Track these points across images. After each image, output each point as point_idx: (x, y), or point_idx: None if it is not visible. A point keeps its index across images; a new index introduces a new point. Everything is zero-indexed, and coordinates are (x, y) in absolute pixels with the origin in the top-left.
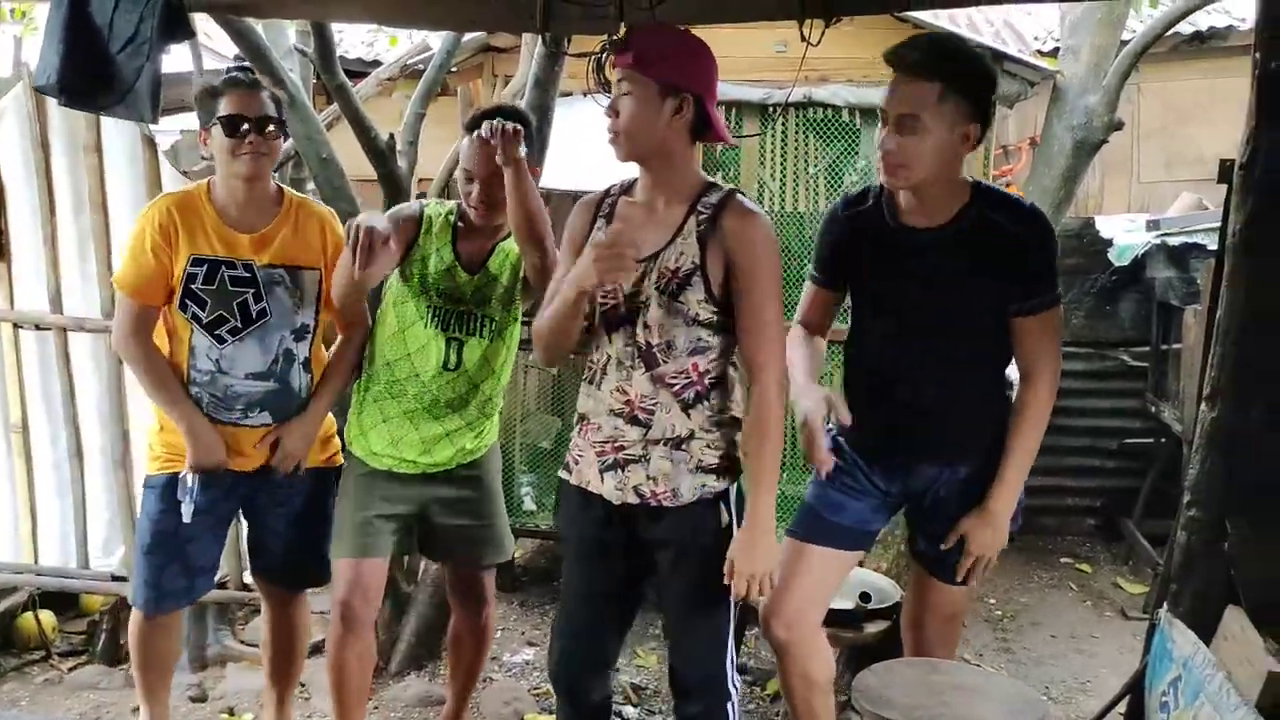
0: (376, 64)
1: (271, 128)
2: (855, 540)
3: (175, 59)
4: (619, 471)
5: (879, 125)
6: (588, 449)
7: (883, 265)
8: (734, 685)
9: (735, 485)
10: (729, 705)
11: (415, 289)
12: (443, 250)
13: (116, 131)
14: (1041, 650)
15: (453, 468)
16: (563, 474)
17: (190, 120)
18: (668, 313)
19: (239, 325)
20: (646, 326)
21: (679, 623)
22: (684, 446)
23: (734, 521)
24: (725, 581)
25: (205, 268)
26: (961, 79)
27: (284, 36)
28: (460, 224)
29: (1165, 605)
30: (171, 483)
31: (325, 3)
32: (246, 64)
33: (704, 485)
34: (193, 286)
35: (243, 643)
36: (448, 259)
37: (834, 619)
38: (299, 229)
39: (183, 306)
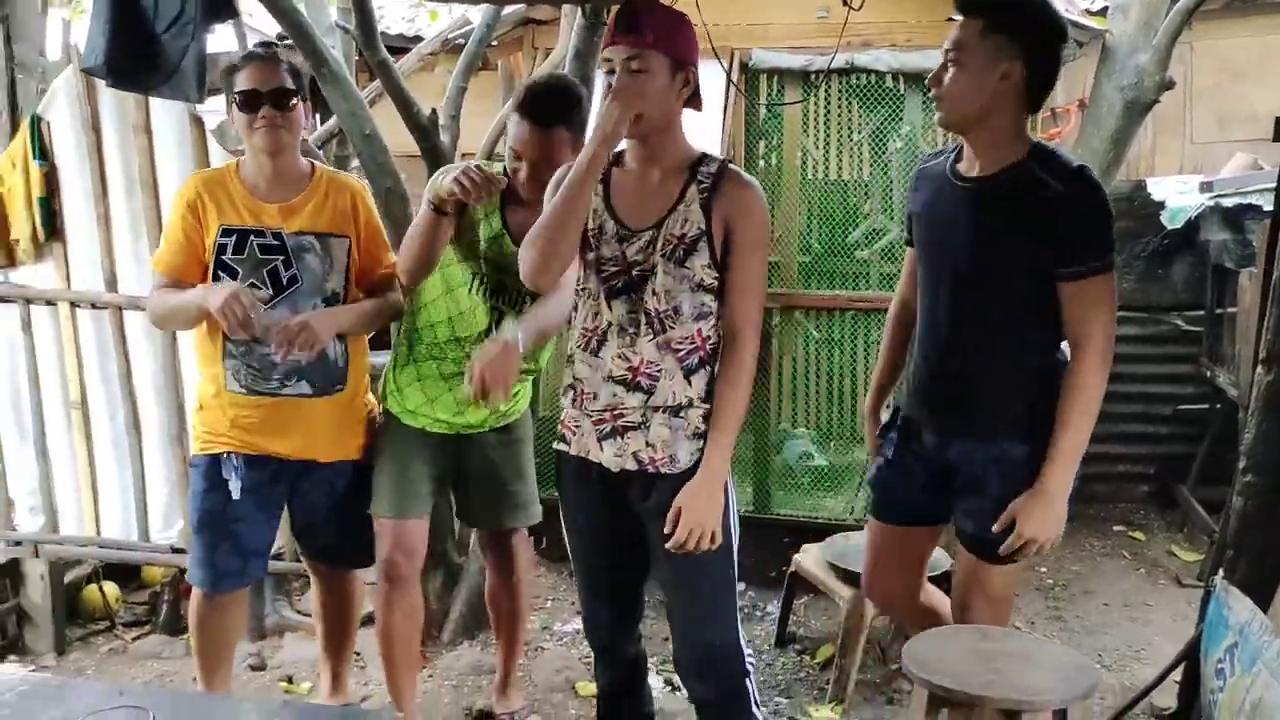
0: (418, 39)
1: (288, 99)
2: (920, 514)
3: (220, 38)
4: (618, 439)
5: (925, 89)
6: (583, 418)
7: (929, 214)
8: (749, 662)
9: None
10: (747, 683)
11: (465, 252)
12: (491, 217)
13: (165, 112)
14: (1094, 618)
15: (485, 430)
16: (559, 445)
17: None
18: (674, 279)
19: (271, 293)
20: (654, 293)
21: (678, 595)
22: (682, 414)
23: (731, 487)
24: (667, 530)
25: (235, 237)
26: (1002, 15)
27: (325, 14)
28: (509, 192)
29: (1221, 571)
30: (214, 463)
31: None
32: (271, 40)
33: (701, 449)
34: (224, 257)
35: (299, 612)
36: (496, 227)
37: None
38: (328, 199)
39: (216, 278)
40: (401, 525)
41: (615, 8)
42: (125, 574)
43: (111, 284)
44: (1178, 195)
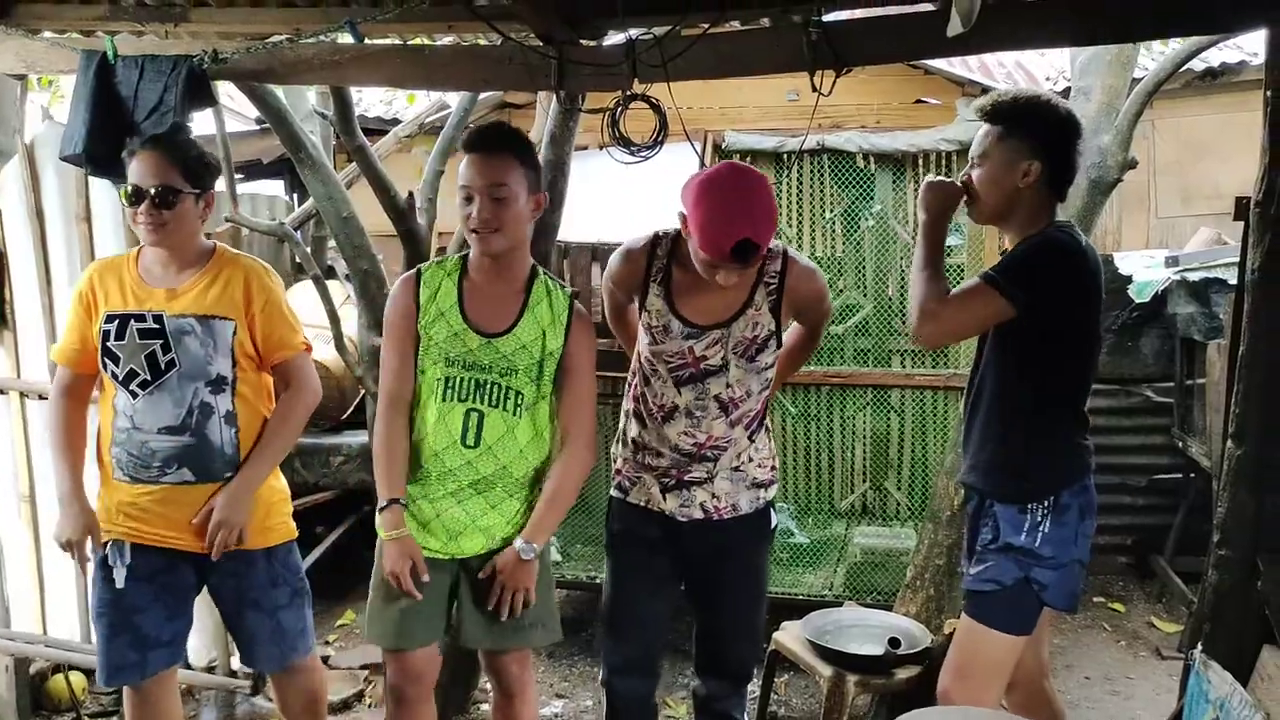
0: (395, 121)
1: (171, 197)
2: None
3: (201, 121)
4: (683, 492)
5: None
6: (644, 472)
7: None
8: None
9: (776, 491)
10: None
11: (431, 357)
12: (448, 313)
13: (103, 199)
14: (1076, 693)
15: (484, 554)
16: (615, 493)
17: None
18: (745, 371)
19: (148, 378)
20: (729, 385)
21: (735, 620)
22: (741, 469)
23: (776, 524)
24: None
25: (117, 323)
26: (1016, 121)
27: (304, 100)
28: (465, 278)
29: (1200, 645)
30: (111, 551)
31: (343, 67)
32: (180, 123)
33: (758, 497)
34: (108, 344)
35: (269, 699)
36: (455, 323)
37: (863, 665)
38: (218, 280)
39: (103, 365)
40: (405, 658)
41: (734, 237)
42: (83, 666)
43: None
44: (1144, 269)
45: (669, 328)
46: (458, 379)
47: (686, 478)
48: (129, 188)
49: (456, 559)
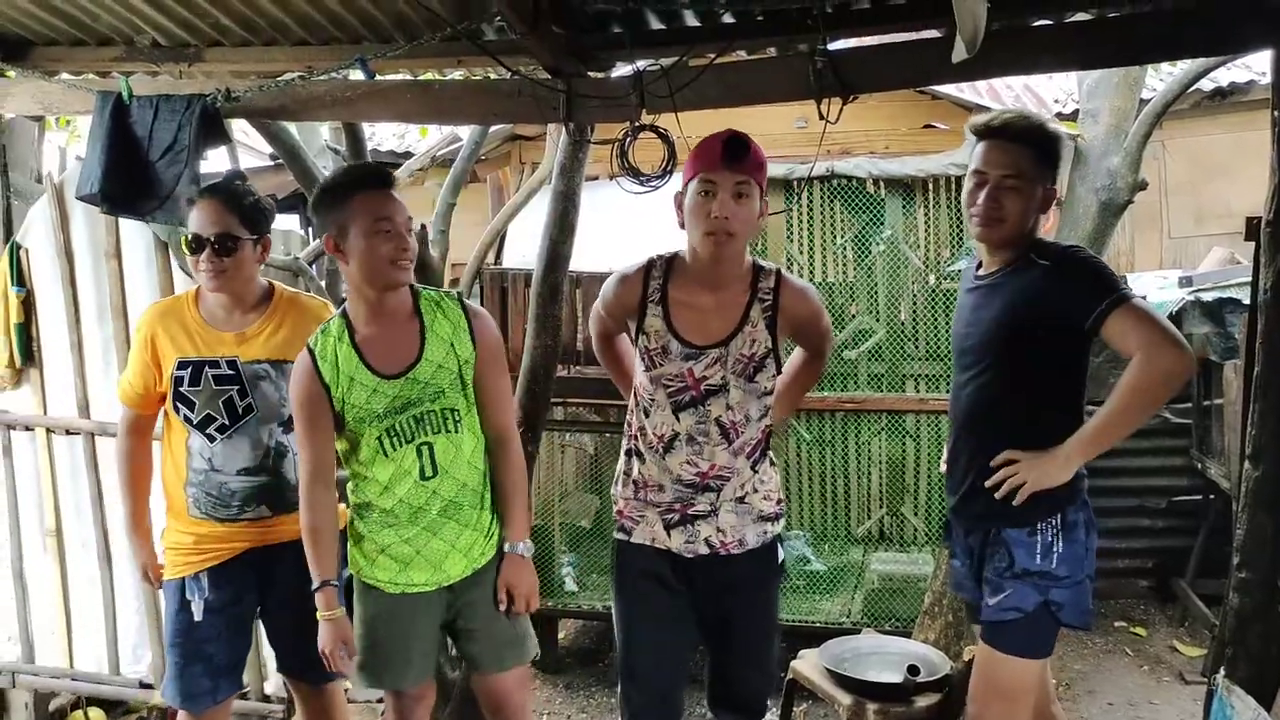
0: (408, 155)
1: (233, 244)
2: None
3: (215, 158)
4: (688, 527)
5: (966, 183)
6: (647, 509)
7: (959, 314)
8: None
9: (783, 525)
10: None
11: (359, 428)
12: (357, 374)
13: (134, 238)
14: (1099, 719)
15: (469, 574)
16: (619, 535)
17: None
18: (745, 393)
19: (226, 423)
20: (729, 407)
21: (746, 653)
22: (746, 500)
23: (783, 560)
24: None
25: (190, 369)
26: (1046, 145)
27: (317, 136)
28: (355, 334)
29: (1223, 670)
30: (180, 585)
31: (355, 103)
32: (239, 172)
33: (765, 531)
34: (180, 389)
35: None
36: (367, 380)
37: (882, 693)
38: (284, 323)
39: (175, 409)
40: (403, 696)
41: (721, 136)
42: (111, 699)
43: (84, 410)
44: (1158, 290)
45: (668, 349)
46: (396, 425)
47: (690, 511)
48: (189, 235)
49: (444, 588)
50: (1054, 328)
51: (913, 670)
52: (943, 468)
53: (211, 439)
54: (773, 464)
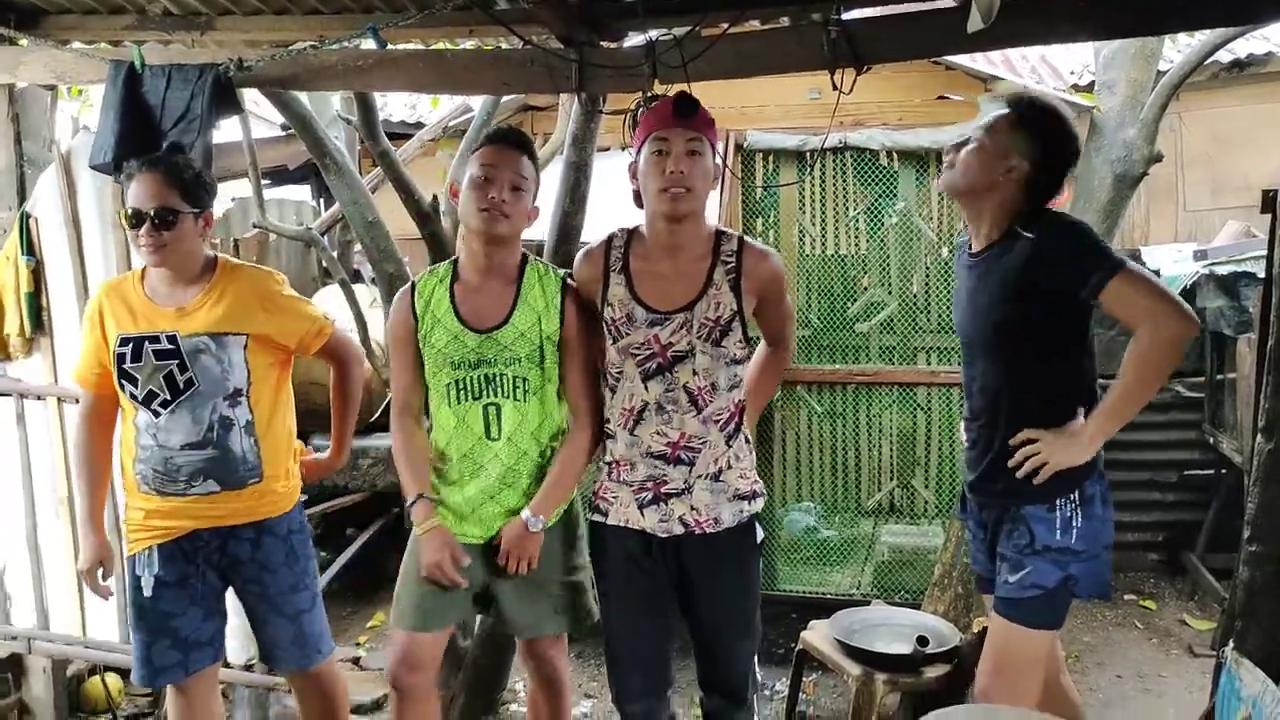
0: (419, 125)
1: (171, 218)
2: (984, 585)
3: (226, 128)
4: (661, 505)
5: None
6: (621, 489)
7: (958, 292)
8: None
9: (761, 504)
10: (753, 698)
11: (434, 369)
12: (444, 318)
13: None
14: (1108, 691)
15: None
16: (594, 517)
17: (242, 188)
18: (712, 358)
19: (168, 398)
20: (695, 373)
21: (725, 635)
22: (721, 477)
23: (762, 539)
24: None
25: (131, 345)
26: (1034, 114)
27: (328, 106)
28: (457, 281)
29: (1231, 643)
30: (134, 560)
31: (368, 73)
32: (177, 144)
33: (741, 510)
34: (123, 365)
35: None
36: (452, 326)
37: (891, 664)
38: (225, 295)
39: (121, 387)
40: (413, 639)
41: (674, 92)
42: (122, 667)
43: None
44: (1173, 263)
45: (632, 316)
46: (467, 379)
47: (664, 490)
48: (128, 210)
49: (488, 542)
50: (1049, 304)
51: (922, 641)
52: (963, 438)
53: (156, 414)
54: (748, 442)
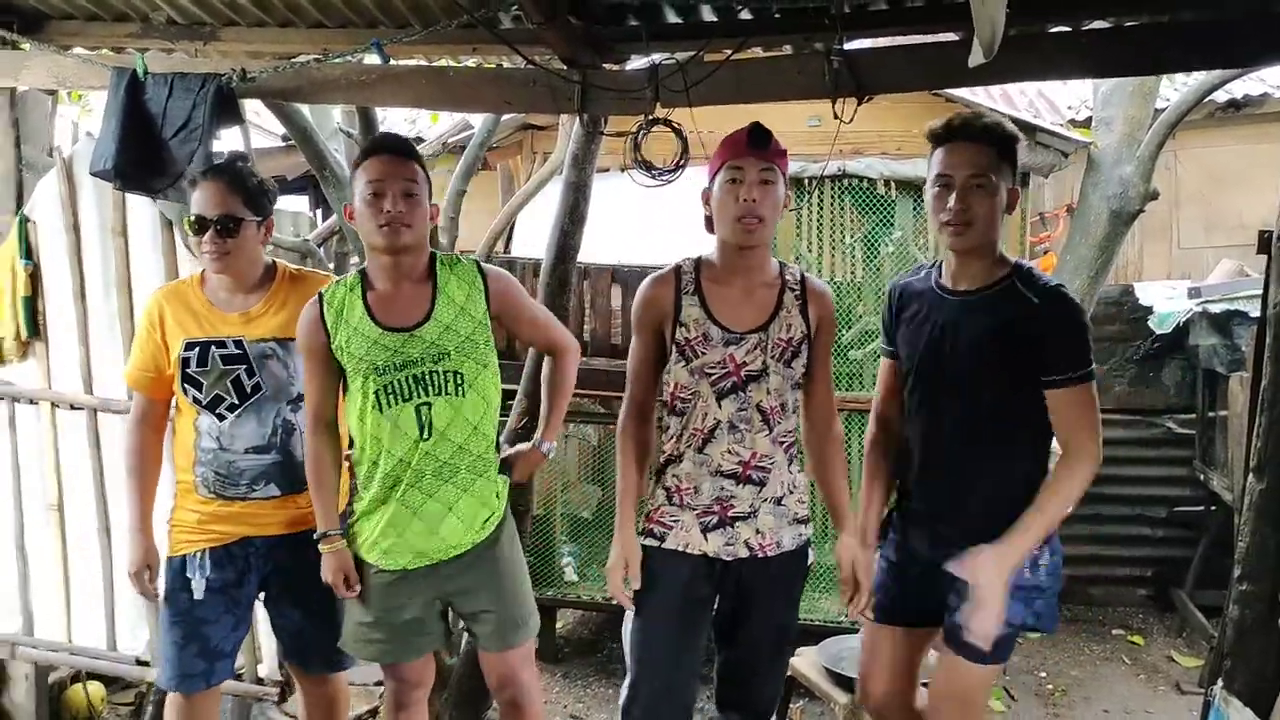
0: (419, 140)
1: (235, 226)
2: (913, 616)
3: (228, 137)
4: (728, 529)
5: (929, 192)
6: (683, 513)
7: (922, 327)
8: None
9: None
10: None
11: (358, 379)
12: (360, 325)
13: (140, 214)
14: None
15: (470, 548)
16: (647, 541)
17: None
18: (783, 378)
19: (235, 402)
20: (768, 392)
21: (768, 654)
22: (783, 502)
23: (811, 562)
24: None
25: (197, 350)
26: (1006, 144)
27: (329, 118)
28: (370, 289)
29: (1220, 681)
30: (185, 563)
31: (369, 88)
32: (241, 153)
33: (800, 534)
34: (188, 370)
35: (287, 715)
36: (370, 332)
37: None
38: (288, 301)
39: (184, 390)
40: (400, 669)
41: (745, 128)
42: (108, 674)
43: (89, 385)
44: (1166, 300)
45: (709, 335)
46: (394, 382)
47: (730, 513)
48: (192, 217)
49: (443, 563)
50: (1025, 367)
51: None
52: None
53: (221, 418)
54: (802, 469)
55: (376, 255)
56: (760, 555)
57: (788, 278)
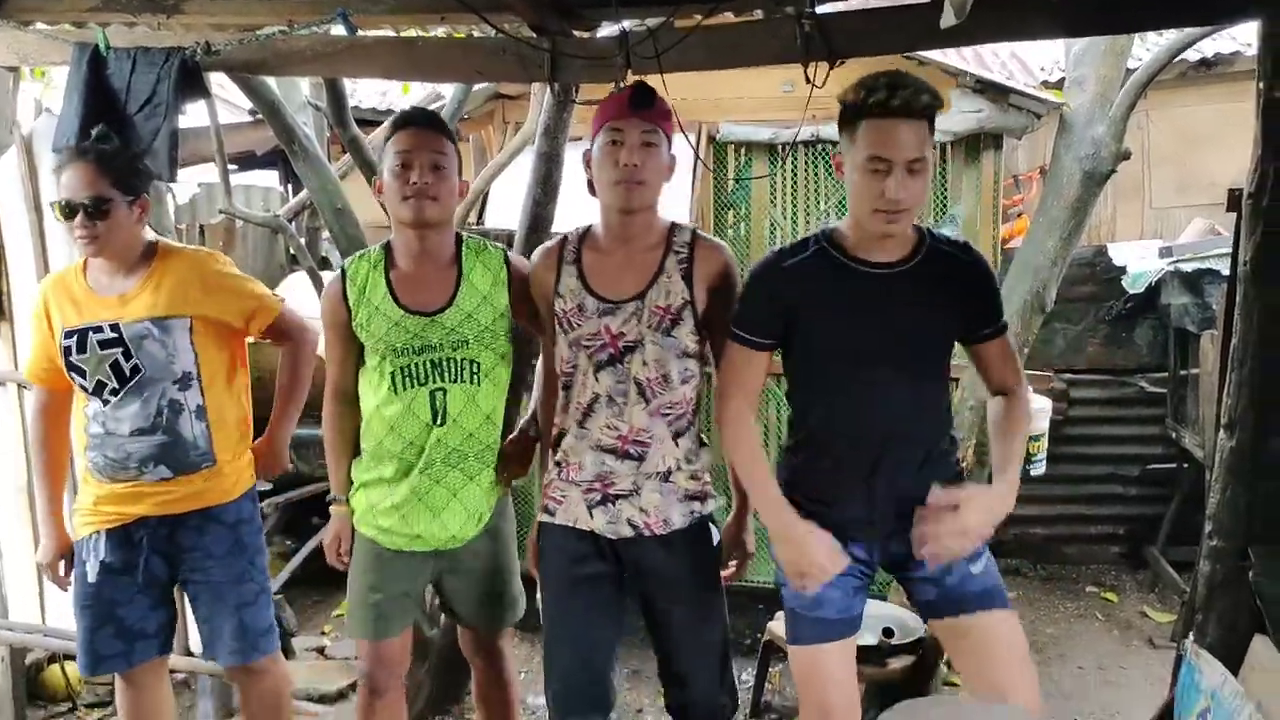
0: (390, 112)
1: (104, 207)
2: (849, 628)
3: (192, 112)
4: (609, 506)
5: (855, 170)
6: (570, 488)
7: (839, 307)
8: (734, 696)
9: (715, 506)
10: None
11: (376, 358)
12: (382, 305)
13: None
14: (1070, 683)
15: (467, 540)
16: (543, 517)
17: (209, 173)
18: (662, 348)
19: (116, 386)
20: (645, 363)
21: (687, 647)
22: (671, 478)
23: (719, 542)
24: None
25: (76, 337)
26: (934, 111)
27: (297, 91)
28: (393, 267)
29: (1191, 635)
30: (85, 545)
31: (336, 59)
32: (105, 132)
33: (692, 511)
34: (70, 358)
35: None
36: (392, 313)
37: (857, 655)
38: (165, 279)
39: (71, 379)
40: (379, 646)
41: (628, 84)
42: None
43: None
44: (1138, 260)
45: (584, 306)
46: (411, 365)
47: (612, 491)
48: (61, 202)
49: (438, 550)
50: (963, 323)
51: (887, 633)
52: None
53: (105, 403)
54: (704, 445)
55: (402, 229)
56: (647, 534)
57: (674, 240)
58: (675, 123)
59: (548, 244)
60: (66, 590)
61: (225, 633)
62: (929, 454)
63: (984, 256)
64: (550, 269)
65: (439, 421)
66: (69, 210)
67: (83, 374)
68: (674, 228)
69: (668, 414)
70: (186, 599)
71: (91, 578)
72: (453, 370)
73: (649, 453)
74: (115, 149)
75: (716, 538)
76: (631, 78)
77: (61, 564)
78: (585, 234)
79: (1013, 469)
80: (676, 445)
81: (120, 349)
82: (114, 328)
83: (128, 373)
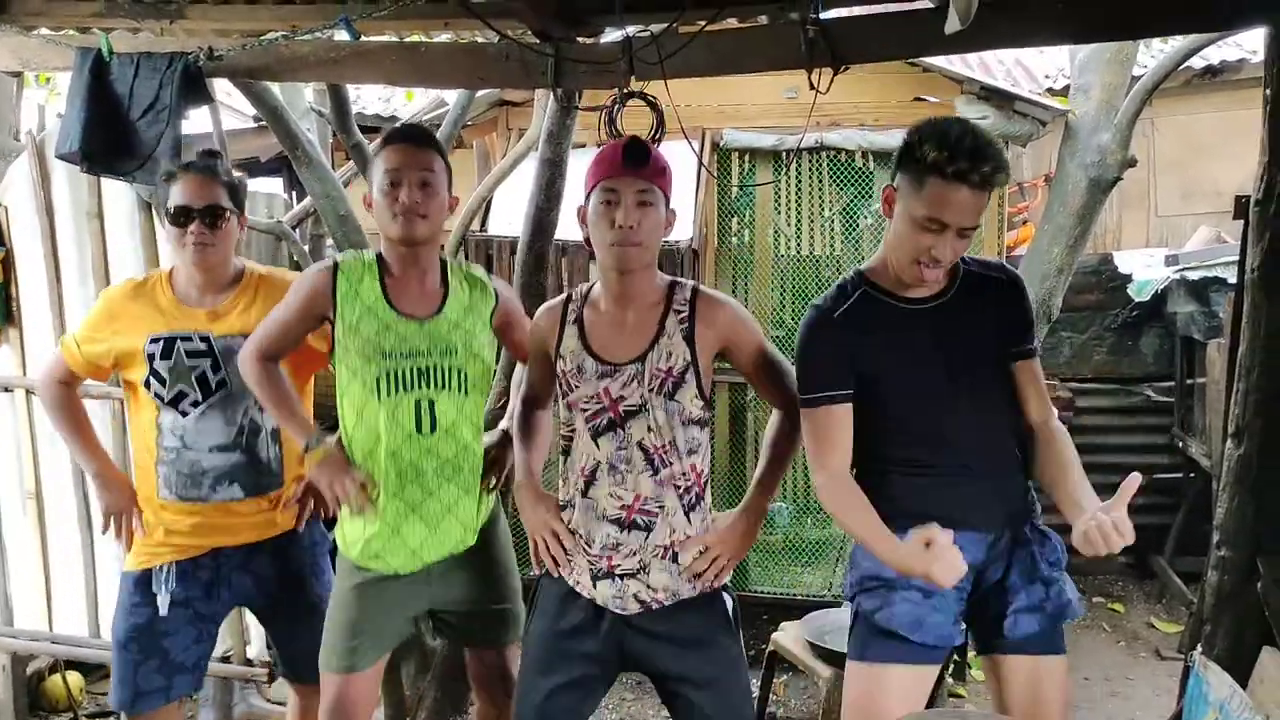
0: (393, 119)
1: (220, 217)
2: (933, 656)
3: (196, 119)
4: (616, 581)
5: (907, 222)
6: (577, 554)
7: (898, 349)
8: None
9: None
10: None
11: (361, 360)
12: (375, 306)
13: (117, 198)
14: (1076, 694)
15: (460, 552)
16: (537, 572)
17: None
18: (666, 413)
19: (199, 398)
20: (650, 429)
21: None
22: (680, 559)
23: (738, 610)
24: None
25: (162, 344)
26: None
27: (301, 98)
28: (387, 274)
29: (1199, 647)
30: (147, 576)
31: (340, 65)
32: (214, 150)
33: (701, 590)
34: (154, 365)
35: (270, 701)
36: (384, 315)
37: None
38: (257, 299)
39: (146, 385)
40: (344, 683)
41: (620, 142)
42: (89, 663)
43: None
44: (1144, 268)
45: (583, 368)
46: (398, 369)
47: (618, 570)
48: (172, 208)
49: (430, 575)
50: (1008, 343)
51: None
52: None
53: (184, 414)
54: (707, 517)
55: (392, 245)
56: (655, 608)
57: (675, 299)
58: (669, 179)
59: (551, 302)
60: (134, 540)
61: (312, 654)
62: (1005, 478)
63: (1019, 275)
64: (553, 328)
65: (426, 430)
66: (184, 216)
67: (162, 382)
68: (674, 286)
69: (678, 485)
70: (266, 631)
71: (164, 611)
72: (440, 377)
73: (656, 523)
74: (225, 165)
75: (731, 606)
76: (635, 83)
77: (133, 512)
78: (589, 292)
79: (1091, 495)
80: (688, 520)
81: (209, 360)
82: (204, 339)
83: (213, 386)
